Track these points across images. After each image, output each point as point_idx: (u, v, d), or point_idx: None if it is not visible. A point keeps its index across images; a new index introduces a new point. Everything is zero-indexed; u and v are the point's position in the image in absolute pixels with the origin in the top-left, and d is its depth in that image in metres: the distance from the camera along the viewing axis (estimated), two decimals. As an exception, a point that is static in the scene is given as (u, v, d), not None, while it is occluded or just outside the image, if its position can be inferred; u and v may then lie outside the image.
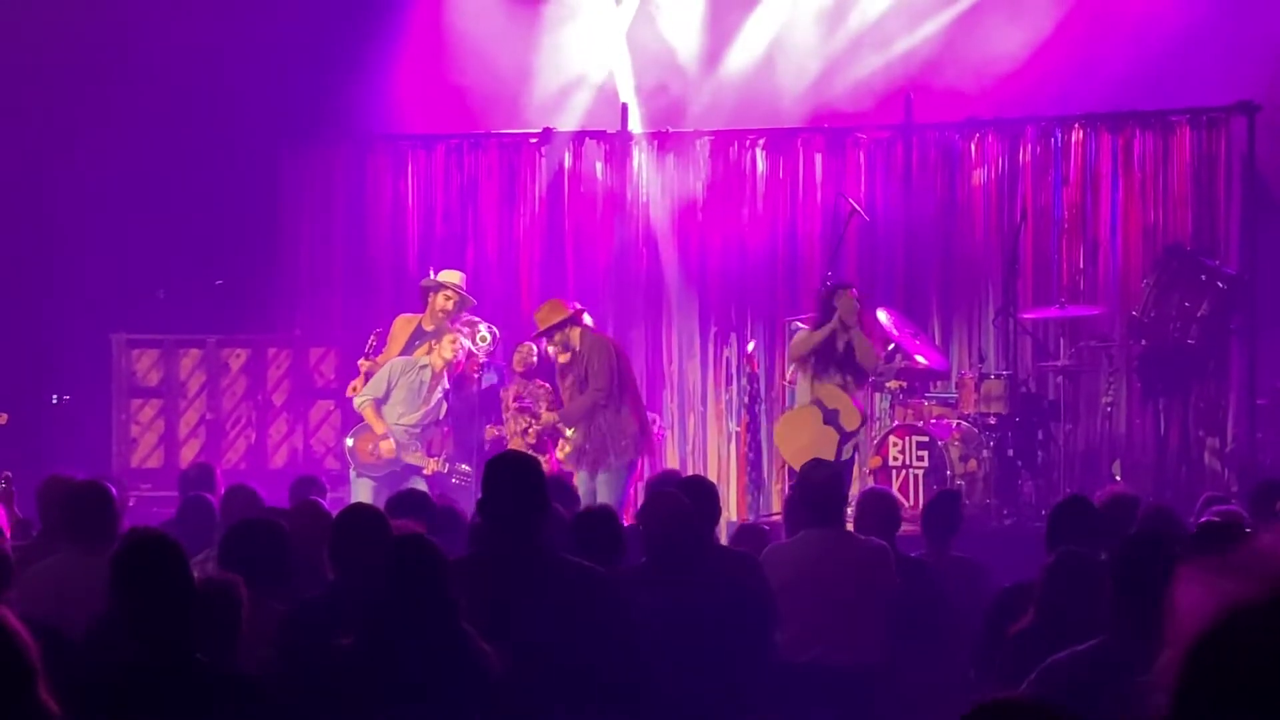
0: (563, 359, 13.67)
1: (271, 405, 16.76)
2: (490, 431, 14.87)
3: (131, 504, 15.11)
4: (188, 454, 16.38)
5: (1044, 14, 16.46)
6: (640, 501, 11.08)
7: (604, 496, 12.99)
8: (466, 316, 14.98)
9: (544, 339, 13.88)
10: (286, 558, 7.48)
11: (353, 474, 14.45)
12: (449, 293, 14.60)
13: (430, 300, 14.66)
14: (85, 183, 16.85)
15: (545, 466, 13.32)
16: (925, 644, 9.05)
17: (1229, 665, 2.27)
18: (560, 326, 13.58)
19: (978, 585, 9.77)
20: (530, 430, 14.53)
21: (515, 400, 14.90)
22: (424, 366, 14.23)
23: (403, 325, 14.80)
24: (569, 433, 13.81)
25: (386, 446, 14.14)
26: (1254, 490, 10.67)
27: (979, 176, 17.00)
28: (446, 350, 14.21)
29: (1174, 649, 2.35)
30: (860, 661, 8.71)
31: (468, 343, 14.53)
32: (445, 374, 14.28)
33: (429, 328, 14.58)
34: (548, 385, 14.65)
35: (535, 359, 14.88)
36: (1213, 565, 2.47)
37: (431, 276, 14.83)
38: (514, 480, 6.71)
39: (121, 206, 16.87)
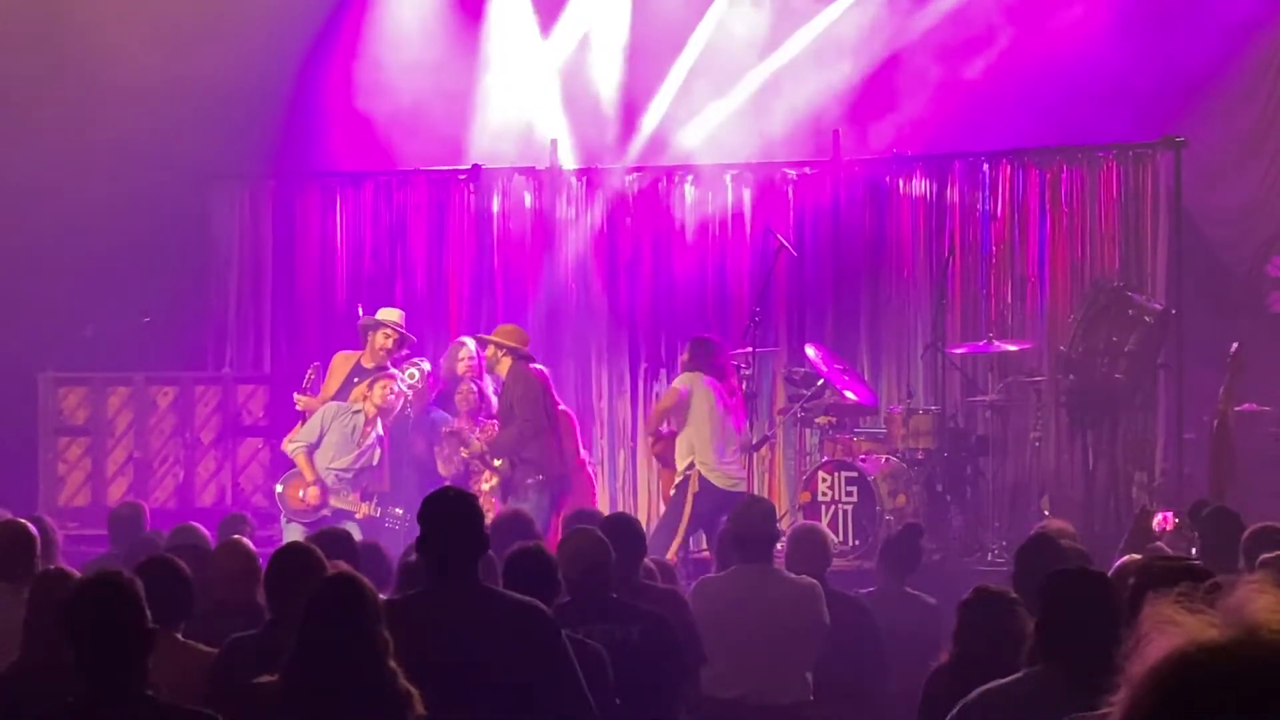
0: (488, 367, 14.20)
1: (200, 443, 16.63)
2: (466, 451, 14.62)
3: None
4: (115, 492, 16.21)
5: (971, 50, 16.53)
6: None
7: None
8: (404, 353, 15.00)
9: (483, 345, 14.10)
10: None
11: (283, 519, 14.32)
12: (389, 330, 14.58)
13: (370, 339, 14.63)
14: (11, 219, 16.72)
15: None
16: (857, 682, 9.07)
17: (1187, 702, 2.24)
18: (502, 348, 13.82)
19: (931, 625, 9.74)
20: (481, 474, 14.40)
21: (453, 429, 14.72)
22: (357, 411, 14.14)
23: (341, 362, 14.77)
24: (497, 463, 13.84)
25: (312, 493, 14.01)
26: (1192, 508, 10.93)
27: (907, 212, 17.04)
28: (378, 396, 14.16)
29: (1130, 682, 2.31)
30: (786, 700, 8.70)
31: (401, 385, 14.44)
32: (379, 419, 14.22)
33: (368, 365, 14.55)
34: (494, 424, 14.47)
35: (475, 397, 14.72)
36: (1186, 602, 2.43)
37: (367, 316, 14.83)
38: (452, 518, 6.64)
39: (49, 243, 16.74)
